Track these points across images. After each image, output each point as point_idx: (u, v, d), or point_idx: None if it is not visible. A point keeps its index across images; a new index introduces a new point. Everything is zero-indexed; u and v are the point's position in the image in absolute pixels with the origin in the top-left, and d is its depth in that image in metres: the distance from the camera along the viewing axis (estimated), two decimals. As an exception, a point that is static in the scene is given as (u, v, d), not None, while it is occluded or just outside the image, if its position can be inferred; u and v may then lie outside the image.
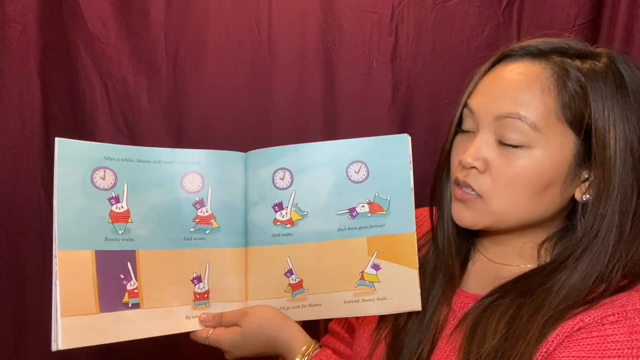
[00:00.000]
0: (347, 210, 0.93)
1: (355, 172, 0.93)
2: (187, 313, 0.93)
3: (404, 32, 1.48)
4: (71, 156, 0.86)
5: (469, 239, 0.99)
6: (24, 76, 1.46)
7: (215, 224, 0.94)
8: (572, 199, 0.88)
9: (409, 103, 1.51)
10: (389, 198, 0.92)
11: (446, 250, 0.96)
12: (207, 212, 0.94)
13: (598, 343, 0.77)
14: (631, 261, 0.84)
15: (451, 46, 1.48)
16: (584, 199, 0.86)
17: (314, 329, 0.97)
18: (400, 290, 0.92)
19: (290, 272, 0.94)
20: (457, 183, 0.90)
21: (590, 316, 0.79)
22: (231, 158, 0.95)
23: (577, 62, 0.85)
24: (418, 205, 0.93)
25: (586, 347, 0.77)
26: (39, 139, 1.49)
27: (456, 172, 0.91)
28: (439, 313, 0.94)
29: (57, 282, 0.83)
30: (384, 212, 0.92)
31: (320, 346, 0.94)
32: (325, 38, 1.49)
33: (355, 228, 0.93)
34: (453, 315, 0.93)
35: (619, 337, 0.77)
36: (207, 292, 0.94)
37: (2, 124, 1.47)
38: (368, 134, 0.94)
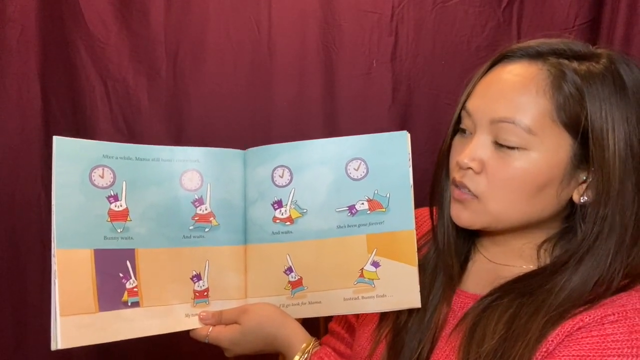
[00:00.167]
0: (347, 208, 0.93)
1: (354, 169, 0.93)
2: (187, 311, 0.93)
3: (404, 32, 1.48)
4: (69, 154, 0.85)
5: (469, 239, 0.99)
6: (24, 76, 1.47)
7: (214, 222, 0.94)
8: (571, 201, 0.87)
9: (409, 103, 1.51)
10: (388, 195, 0.92)
11: (446, 249, 0.96)
12: (206, 210, 0.93)
13: (598, 342, 0.77)
14: (632, 262, 0.83)
15: (451, 46, 1.48)
16: (582, 201, 0.85)
17: (314, 329, 0.97)
18: (399, 288, 0.92)
19: (289, 270, 0.94)
20: (455, 183, 0.90)
21: (590, 316, 0.79)
22: (230, 156, 0.95)
23: (575, 64, 0.84)
24: (418, 205, 0.94)
25: (586, 347, 0.77)
26: (39, 139, 1.49)
27: (454, 173, 0.91)
28: (439, 312, 0.93)
29: (56, 281, 0.83)
30: (384, 210, 0.92)
31: (320, 344, 0.94)
32: (325, 38, 1.49)
33: (355, 225, 0.93)
34: (453, 315, 0.93)
35: (619, 337, 0.77)
36: (207, 290, 0.94)
37: (2, 124, 1.47)
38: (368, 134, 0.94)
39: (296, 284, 0.94)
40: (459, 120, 0.92)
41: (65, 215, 0.84)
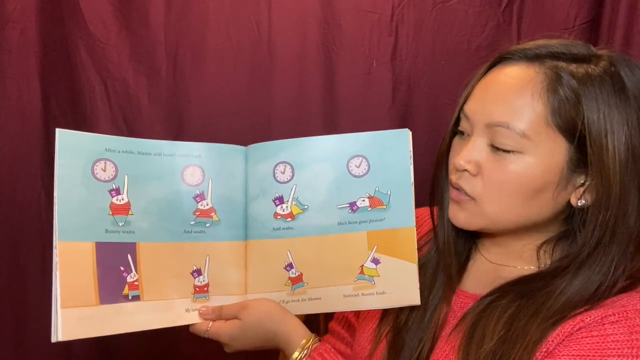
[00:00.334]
0: (348, 205, 0.93)
1: (356, 166, 0.93)
2: (187, 306, 0.92)
3: (404, 32, 1.48)
4: (72, 147, 0.85)
5: (470, 240, 0.99)
6: (24, 76, 1.47)
7: (215, 217, 0.94)
8: (569, 203, 0.87)
9: (409, 103, 1.51)
10: (389, 192, 0.92)
11: (446, 249, 0.97)
12: (207, 205, 0.93)
13: (598, 342, 0.77)
14: (634, 265, 0.83)
15: (451, 46, 1.48)
16: (580, 204, 0.85)
17: (314, 328, 0.97)
18: (399, 285, 0.92)
19: (290, 266, 0.94)
20: (452, 185, 0.91)
21: (590, 316, 0.79)
22: (232, 151, 0.95)
23: (572, 67, 0.84)
24: (418, 205, 0.93)
25: (586, 347, 0.77)
26: (39, 139, 1.49)
27: (451, 174, 0.91)
28: (439, 312, 0.94)
29: (57, 274, 0.82)
30: (384, 207, 0.92)
31: (320, 340, 0.94)
32: (325, 38, 1.49)
33: (356, 222, 0.93)
34: (453, 315, 0.93)
35: (619, 337, 0.77)
36: (207, 285, 0.93)
37: (2, 124, 1.47)
38: None
39: (296, 280, 0.94)
40: (457, 121, 0.92)
41: (67, 207, 0.84)
